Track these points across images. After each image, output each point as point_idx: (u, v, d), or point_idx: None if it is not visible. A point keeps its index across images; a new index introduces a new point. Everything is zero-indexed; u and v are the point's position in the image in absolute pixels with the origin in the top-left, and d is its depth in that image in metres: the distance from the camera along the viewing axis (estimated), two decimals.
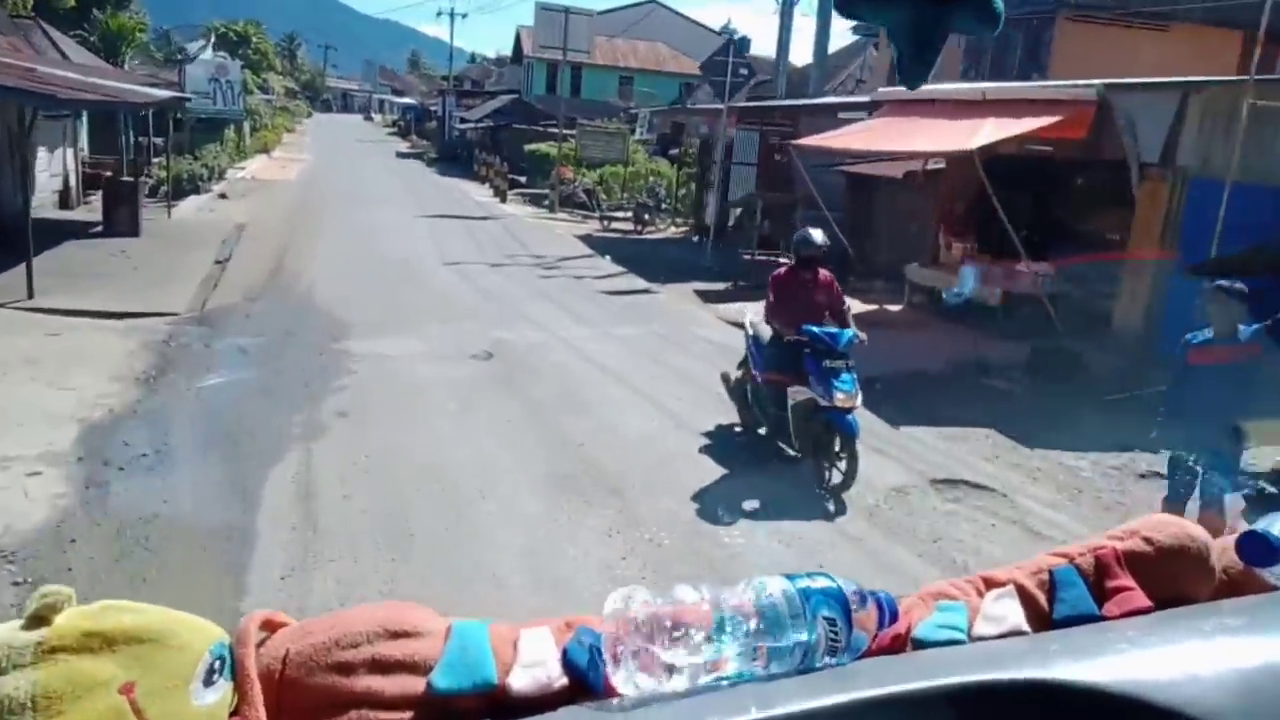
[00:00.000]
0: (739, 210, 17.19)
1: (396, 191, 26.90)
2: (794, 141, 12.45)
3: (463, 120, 42.82)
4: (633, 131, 24.94)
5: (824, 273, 6.55)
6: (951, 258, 12.16)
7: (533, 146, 34.58)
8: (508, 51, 65.59)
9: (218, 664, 0.59)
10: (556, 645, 0.69)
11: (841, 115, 16.23)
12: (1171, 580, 0.84)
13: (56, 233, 14.01)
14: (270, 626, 0.66)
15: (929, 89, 13.23)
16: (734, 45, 16.69)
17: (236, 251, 14.20)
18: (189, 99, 23.58)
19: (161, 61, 37.70)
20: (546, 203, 26.50)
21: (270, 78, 49.84)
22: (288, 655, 0.63)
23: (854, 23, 19.74)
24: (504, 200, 26.52)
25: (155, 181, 21.44)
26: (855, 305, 13.55)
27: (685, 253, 17.77)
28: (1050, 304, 9.59)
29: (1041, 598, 0.84)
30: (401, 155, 46.82)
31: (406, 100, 69.52)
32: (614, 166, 25.37)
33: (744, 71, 15.81)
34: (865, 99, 13.82)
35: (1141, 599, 0.82)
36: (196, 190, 21.44)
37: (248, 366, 8.13)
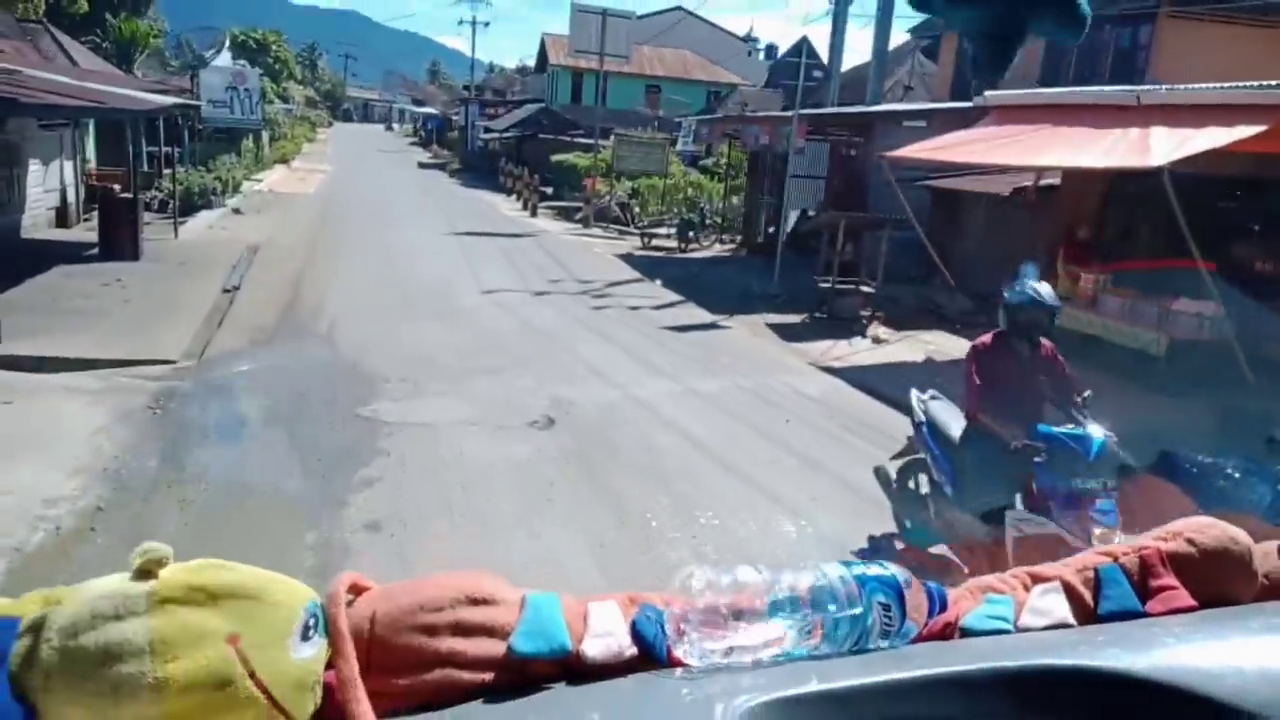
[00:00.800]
0: (803, 227, 15.28)
1: (421, 205, 25.15)
2: (891, 154, 10.59)
3: (486, 130, 41.11)
4: (673, 142, 23.03)
5: (1046, 344, 4.65)
6: (1077, 289, 10.23)
7: (560, 157, 32.83)
8: (528, 60, 64.14)
9: (312, 621, 0.61)
10: (624, 618, 0.71)
11: (906, 124, 14.37)
12: (1214, 581, 0.84)
13: (45, 256, 12.28)
14: (356, 589, 0.67)
15: (1051, 93, 11.35)
16: (806, 45, 14.70)
17: (247, 279, 12.42)
18: (197, 105, 21.86)
19: (177, 69, 36.22)
20: (579, 217, 24.68)
21: (290, 87, 48.37)
22: (375, 616, 0.64)
23: (913, 22, 17.80)
24: (534, 214, 24.73)
25: (165, 196, 19.77)
26: (947, 342, 12.55)
27: (741, 275, 15.89)
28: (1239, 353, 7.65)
29: (1087, 594, 0.84)
30: (423, 166, 45.17)
31: (427, 110, 67.99)
32: (650, 179, 23.54)
33: (818, 74, 13.83)
34: (967, 104, 11.91)
35: (1185, 598, 0.82)
36: (209, 205, 19.73)
37: (248, 448, 6.30)
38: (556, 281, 13.96)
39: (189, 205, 19.46)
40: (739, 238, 19.94)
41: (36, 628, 0.54)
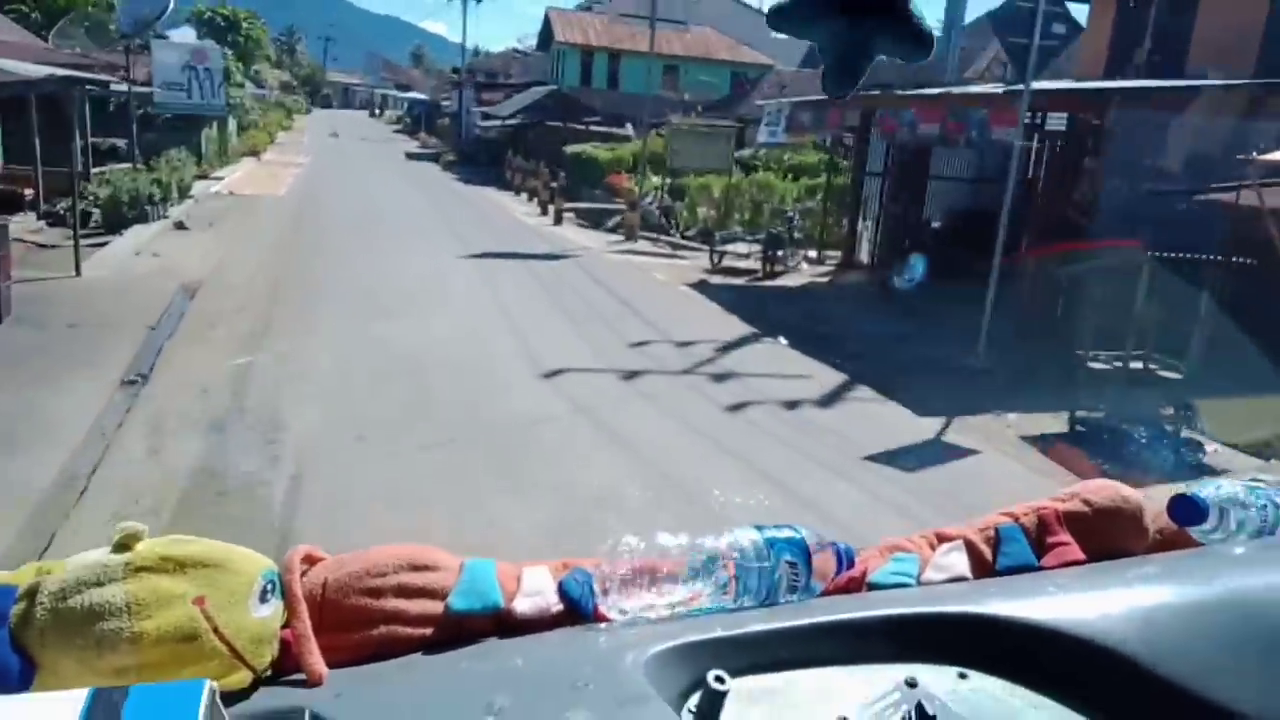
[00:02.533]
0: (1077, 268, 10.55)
1: (418, 210, 20.33)
2: (1268, 157, 6.08)
3: (486, 116, 36.19)
4: (730, 137, 18.28)
5: None
6: None
7: (576, 148, 28.06)
8: (516, 42, 59.16)
9: (269, 586, 0.67)
10: (553, 580, 0.77)
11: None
12: (1106, 537, 0.90)
13: None
14: (310, 560, 0.73)
15: None
16: None
17: (164, 362, 7.70)
18: (103, 81, 16.94)
19: (115, 38, 31.10)
20: (612, 224, 19.97)
21: (263, 70, 43.20)
22: (326, 582, 0.71)
23: None
24: (559, 222, 19.97)
25: (89, 204, 14.92)
26: None
27: (881, 318, 11.29)
28: None
29: (987, 551, 0.89)
30: (412, 157, 40.15)
31: (413, 95, 62.78)
32: (700, 178, 18.82)
33: (1060, 30, 9.05)
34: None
35: (1076, 553, 0.88)
36: (144, 218, 14.90)
37: None
38: (641, 345, 9.27)
39: (117, 219, 14.62)
40: (840, 258, 15.30)
41: (31, 593, 0.62)
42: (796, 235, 15.34)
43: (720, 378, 8.28)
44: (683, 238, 18.51)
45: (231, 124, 32.33)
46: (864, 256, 14.64)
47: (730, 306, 11.77)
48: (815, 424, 7.14)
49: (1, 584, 0.63)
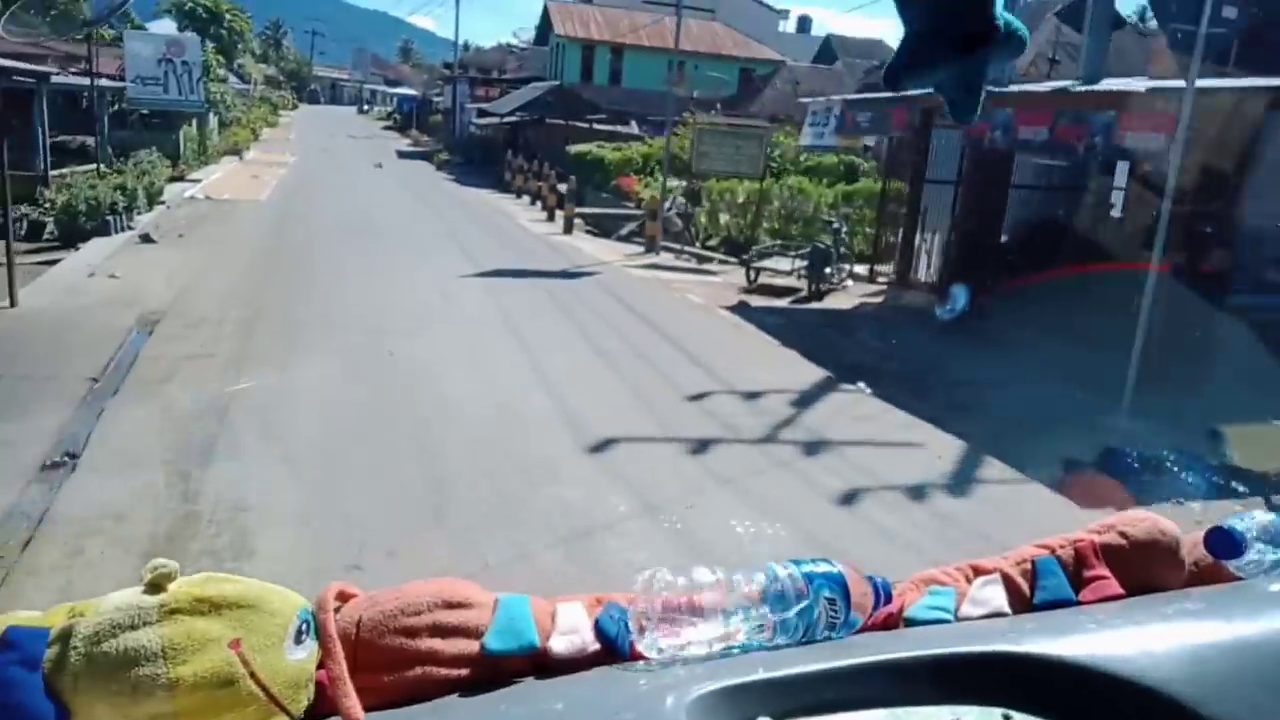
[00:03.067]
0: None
1: (414, 217, 18.54)
2: None
3: (482, 113, 34.36)
4: (761, 138, 16.53)
5: None
6: None
7: (581, 148, 26.27)
8: (508, 37, 57.11)
9: (304, 626, 0.66)
10: (589, 616, 0.76)
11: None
12: (1143, 570, 0.88)
13: None
14: (343, 597, 0.72)
15: None
16: None
17: (104, 433, 5.91)
18: (44, 74, 15.20)
19: (109, 39, 29.08)
20: (625, 232, 18.26)
21: (247, 64, 41.20)
22: (361, 621, 0.70)
23: None
24: (568, 230, 18.20)
25: (51, 213, 13.12)
26: None
27: (975, 357, 9.59)
28: None
29: (1024, 585, 0.88)
30: (404, 155, 38.27)
31: (402, 90, 60.78)
32: (724, 182, 17.07)
33: (1231, 10, 7.32)
34: None
35: (1115, 587, 0.86)
36: (105, 229, 13.07)
37: None
38: (701, 399, 7.52)
39: (74, 230, 12.79)
40: (892, 274, 13.59)
41: (64, 637, 0.60)
42: (842, 249, 13.63)
43: (811, 448, 6.53)
44: (703, 248, 16.79)
45: (212, 121, 30.44)
46: (922, 274, 12.93)
47: (785, 338, 10.04)
48: (959, 524, 5.41)
49: (35, 626, 0.61)
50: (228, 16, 40.50)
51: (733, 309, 11.80)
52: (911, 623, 0.85)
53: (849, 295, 13.17)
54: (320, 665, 0.67)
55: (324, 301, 9.94)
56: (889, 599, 0.85)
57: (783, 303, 12.57)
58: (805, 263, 13.15)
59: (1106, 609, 0.83)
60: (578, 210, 20.21)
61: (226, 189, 20.08)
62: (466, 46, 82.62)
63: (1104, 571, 0.88)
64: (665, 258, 15.66)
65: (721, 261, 15.76)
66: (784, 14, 43.62)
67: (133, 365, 7.40)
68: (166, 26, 29.33)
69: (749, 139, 15.50)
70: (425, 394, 7.09)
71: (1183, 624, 0.77)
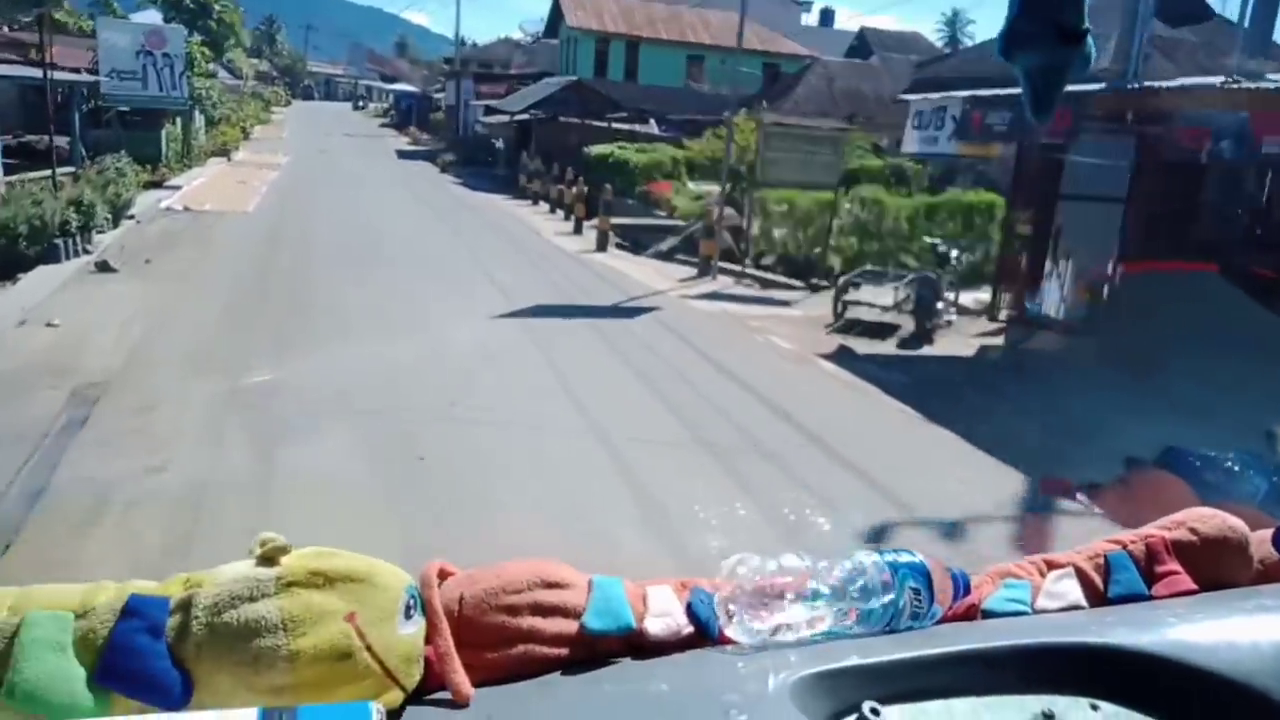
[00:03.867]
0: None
1: (425, 230, 16.05)
2: None
3: (489, 110, 31.85)
4: (839, 142, 14.02)
5: None
6: None
7: (601, 150, 23.80)
8: (502, 35, 54.57)
9: (412, 601, 0.66)
10: (679, 600, 0.76)
11: None
12: (1214, 566, 0.88)
13: None
14: (443, 574, 0.72)
15: None
16: None
17: None
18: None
19: (86, 30, 26.44)
20: (665, 248, 15.82)
21: (237, 57, 38.56)
22: (462, 598, 0.70)
23: None
24: (602, 247, 15.72)
25: None
26: None
27: (1192, 430, 7.21)
28: None
29: (1098, 579, 0.88)
30: (405, 155, 35.72)
31: (400, 87, 58.09)
32: (786, 192, 14.58)
33: None
34: None
35: (1187, 582, 0.86)
36: (52, 255, 10.57)
37: None
38: (880, 535, 5.09)
39: (13, 257, 10.28)
40: (1009, 312, 11.14)
41: (185, 606, 0.60)
42: (951, 280, 11.22)
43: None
44: (758, 267, 14.35)
45: (198, 119, 27.89)
46: (1051, 308, 10.52)
47: (923, 405, 7.59)
48: None
49: (154, 595, 0.60)
50: (217, 8, 37.84)
51: (833, 358, 9.37)
52: (989, 614, 0.84)
53: (960, 336, 10.75)
54: (427, 641, 0.67)
55: (325, 365, 7.45)
56: (967, 590, 0.85)
57: (887, 346, 10.15)
58: (907, 293, 10.71)
59: (1182, 603, 0.83)
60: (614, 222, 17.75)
61: (210, 197, 17.54)
62: (463, 42, 79.92)
63: (1175, 567, 0.87)
64: (723, 282, 13.23)
65: (785, 286, 13.34)
66: (806, 6, 41.08)
67: (54, 473, 4.95)
68: (152, 17, 26.67)
69: (824, 143, 13.06)
70: (484, 541, 4.64)
71: (1262, 618, 0.77)
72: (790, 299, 12.54)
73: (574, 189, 18.71)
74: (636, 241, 16.99)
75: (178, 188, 18.63)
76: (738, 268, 13.76)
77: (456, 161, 31.23)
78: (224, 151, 27.59)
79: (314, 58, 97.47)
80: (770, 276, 13.77)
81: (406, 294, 10.32)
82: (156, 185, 19.20)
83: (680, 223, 18.84)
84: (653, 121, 30.05)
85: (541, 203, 21.91)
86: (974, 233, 14.07)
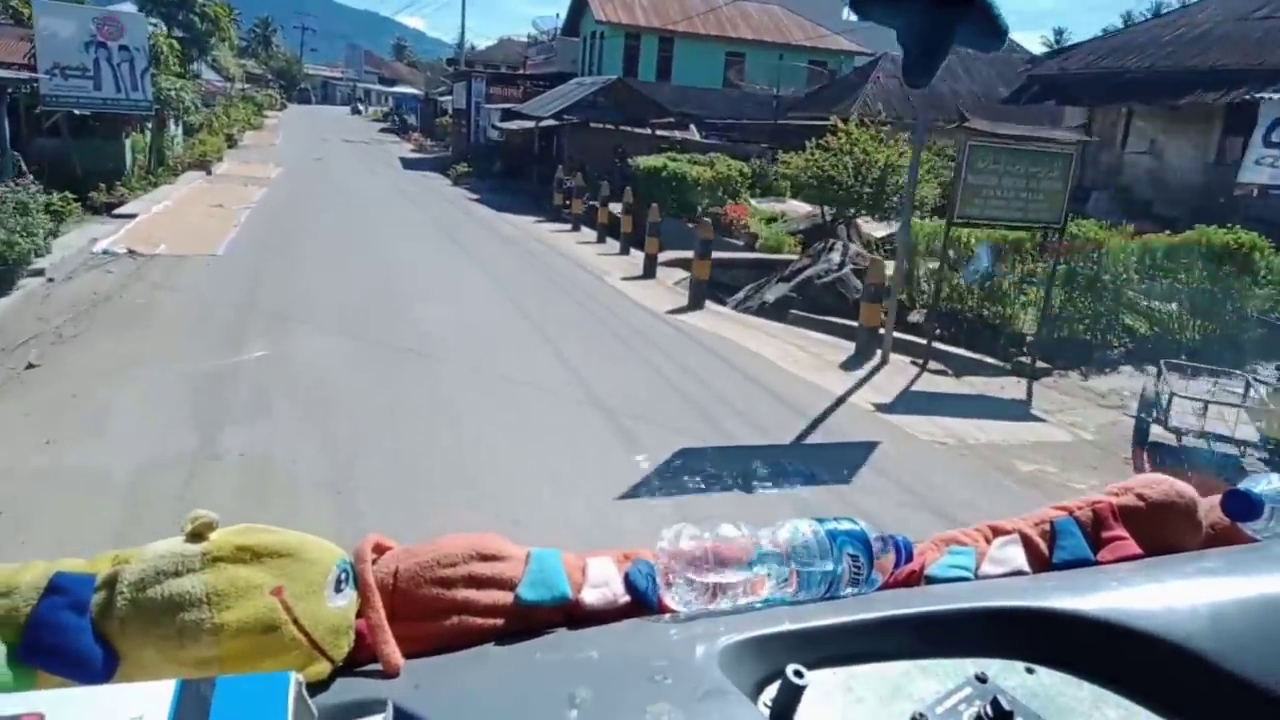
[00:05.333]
0: None
1: (455, 275, 11.57)
2: None
3: (508, 115, 27.36)
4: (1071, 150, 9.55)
5: None
6: None
7: (650, 161, 19.39)
8: (503, 36, 49.62)
9: (343, 575, 0.65)
10: (618, 571, 0.75)
11: None
12: (1161, 532, 0.87)
13: None
14: (379, 549, 0.71)
15: None
16: None
17: None
18: None
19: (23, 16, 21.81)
20: (774, 299, 11.45)
21: (223, 55, 33.87)
22: (398, 571, 0.68)
23: None
24: (698, 304, 11.25)
25: None
26: None
27: None
28: None
29: (1043, 545, 0.86)
30: (410, 165, 31.19)
31: (401, 89, 53.39)
32: (967, 225, 10.17)
33: None
34: None
35: (1133, 547, 0.85)
36: None
37: None
38: None
39: None
40: None
41: (110, 583, 0.59)
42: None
43: None
44: (910, 328, 9.96)
45: (175, 126, 23.31)
46: None
47: None
48: None
49: (80, 573, 0.60)
50: (201, 1, 33.14)
51: None
52: (933, 580, 0.83)
53: None
54: (359, 614, 0.65)
55: None
56: (910, 558, 0.83)
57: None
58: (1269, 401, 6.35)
59: (1126, 568, 0.81)
60: (671, 256, 13.34)
61: (168, 231, 13.00)
62: (462, 45, 75.05)
63: (1122, 532, 0.86)
64: (898, 364, 8.83)
65: (988, 369, 8.98)
66: None
67: None
68: (126, 9, 22.02)
69: (1048, 163, 8.66)
70: None
71: (1203, 582, 0.76)
72: (1016, 395, 8.18)
73: (631, 213, 14.35)
74: (716, 282, 12.62)
75: (132, 216, 14.08)
76: (917, 339, 9.35)
77: (471, 173, 26.71)
78: (203, 164, 23.02)
79: (310, 60, 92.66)
80: (956, 351, 9.38)
81: (457, 406, 5.94)
82: (110, 209, 14.69)
83: (767, 256, 14.47)
84: (693, 127, 25.67)
85: (584, 227, 17.50)
86: (1220, 285, 9.76)
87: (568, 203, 19.28)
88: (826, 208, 13.58)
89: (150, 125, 19.50)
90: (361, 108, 67.89)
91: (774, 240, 15.21)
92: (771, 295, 11.75)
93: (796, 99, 26.34)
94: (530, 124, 24.25)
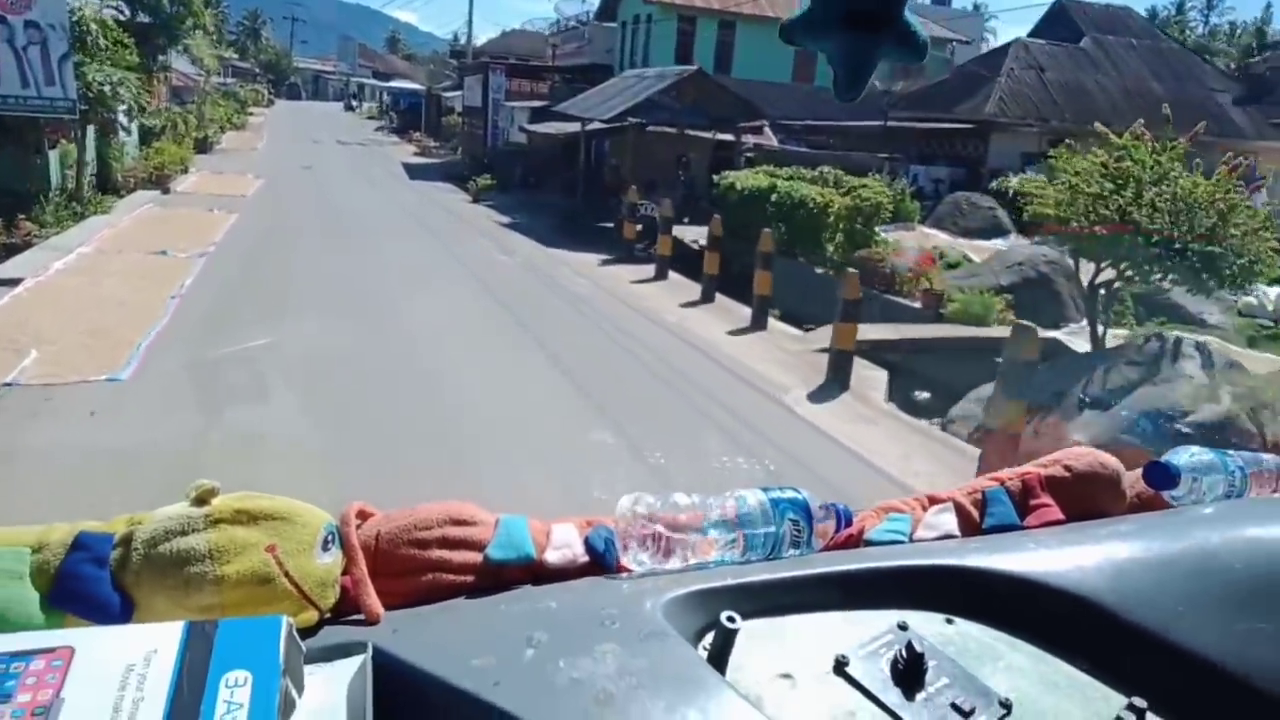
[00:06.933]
0: None
1: (525, 386, 6.33)
2: None
3: (541, 114, 22.13)
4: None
5: None
6: None
7: (753, 180, 14.30)
8: (501, 29, 43.90)
9: (330, 536, 0.70)
10: (580, 535, 0.79)
11: None
12: (1085, 500, 0.91)
13: None
14: (363, 515, 0.75)
15: None
16: None
17: None
18: None
19: None
20: (998, 421, 6.23)
21: (198, 44, 28.37)
22: (379, 534, 0.73)
23: None
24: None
25: None
26: None
27: None
28: None
29: (975, 512, 0.90)
30: (415, 173, 25.85)
31: (401, 84, 47.79)
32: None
33: None
34: None
35: (1057, 514, 0.89)
36: None
37: None
38: None
39: None
40: None
41: (126, 540, 0.65)
42: None
43: None
44: None
45: (128, 131, 17.96)
46: None
47: None
48: None
49: (102, 532, 0.65)
50: None
51: None
52: (870, 544, 0.86)
53: None
54: (344, 571, 0.70)
55: None
56: (849, 523, 0.87)
57: None
58: None
59: (1046, 532, 0.85)
60: (808, 326, 8.24)
61: (54, 316, 7.72)
62: (457, 39, 69.21)
63: (1048, 500, 0.89)
64: None
65: None
66: None
67: None
68: None
69: None
70: None
71: (1113, 543, 0.80)
72: None
73: (717, 249, 9.31)
74: (881, 361, 7.70)
75: (12, 283, 8.81)
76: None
77: (494, 186, 21.41)
78: (161, 179, 17.67)
79: (301, 53, 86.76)
80: None
81: None
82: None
83: (969, 334, 9.41)
84: (767, 130, 20.54)
85: (670, 272, 12.41)
86: None
87: (638, 235, 14.14)
88: (1107, 263, 8.46)
89: (84, 130, 14.18)
90: (357, 104, 62.18)
91: (976, 306, 10.11)
92: (995, 417, 6.54)
93: (901, 95, 21.19)
94: (573, 127, 18.98)
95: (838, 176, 14.77)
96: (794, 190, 13.35)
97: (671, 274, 12.56)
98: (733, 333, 9.56)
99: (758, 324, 9.84)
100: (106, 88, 13.46)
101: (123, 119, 15.17)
